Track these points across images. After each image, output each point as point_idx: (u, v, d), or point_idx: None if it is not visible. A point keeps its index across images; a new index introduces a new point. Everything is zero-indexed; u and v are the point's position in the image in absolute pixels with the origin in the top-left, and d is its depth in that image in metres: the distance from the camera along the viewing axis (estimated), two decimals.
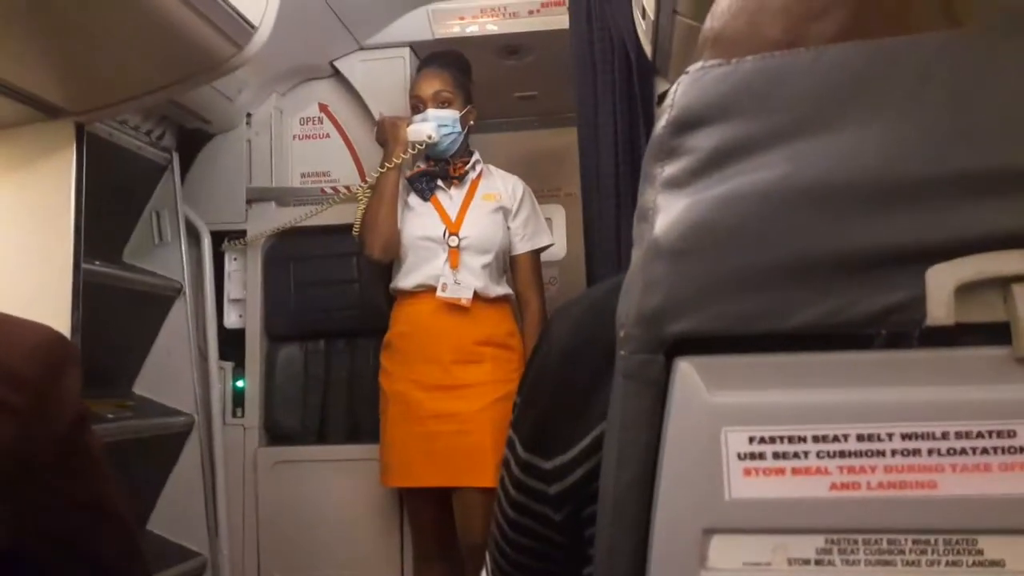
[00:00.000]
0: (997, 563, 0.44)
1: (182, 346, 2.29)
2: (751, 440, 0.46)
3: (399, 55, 2.58)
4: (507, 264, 2.29)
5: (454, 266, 2.16)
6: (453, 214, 2.21)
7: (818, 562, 0.46)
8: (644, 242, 0.51)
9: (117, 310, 2.08)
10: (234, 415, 2.49)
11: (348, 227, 2.29)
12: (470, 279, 2.15)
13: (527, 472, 0.62)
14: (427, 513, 2.17)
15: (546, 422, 0.61)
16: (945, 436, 0.44)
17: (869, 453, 0.45)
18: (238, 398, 2.50)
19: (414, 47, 2.58)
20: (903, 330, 0.45)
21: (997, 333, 0.44)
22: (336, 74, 2.62)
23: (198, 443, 2.27)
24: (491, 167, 2.33)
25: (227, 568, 2.33)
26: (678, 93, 0.53)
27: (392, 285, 2.26)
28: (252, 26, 1.50)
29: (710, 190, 0.50)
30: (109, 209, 2.08)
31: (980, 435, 0.44)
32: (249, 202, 2.55)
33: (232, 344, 2.52)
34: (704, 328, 0.48)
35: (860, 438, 0.45)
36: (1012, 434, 0.43)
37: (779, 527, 0.46)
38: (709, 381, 0.47)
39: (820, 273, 0.46)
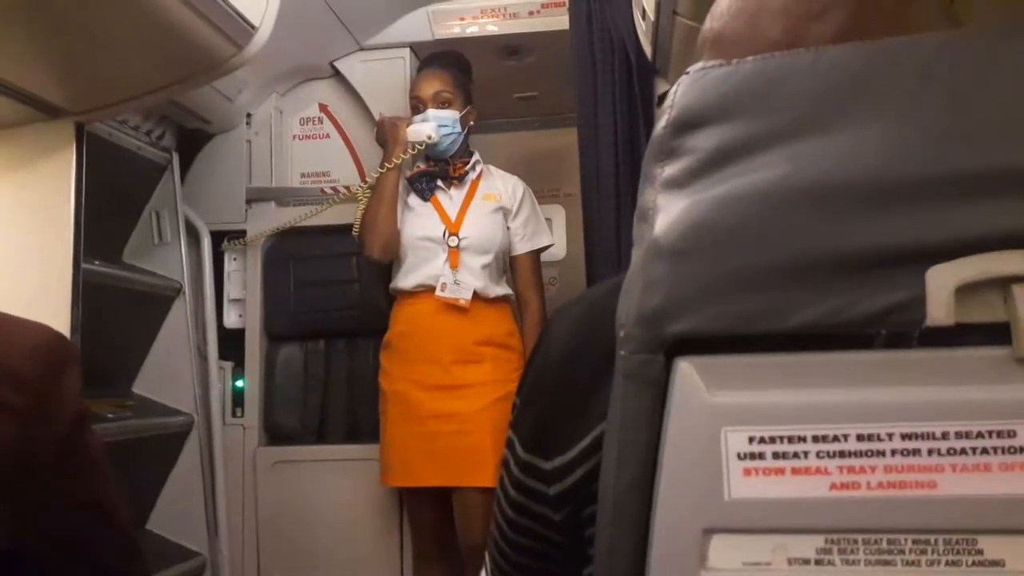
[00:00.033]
0: (997, 563, 0.44)
1: (182, 346, 2.29)
2: (751, 440, 0.46)
3: (399, 55, 2.57)
4: (507, 264, 2.29)
5: (454, 266, 2.16)
6: (453, 214, 2.21)
7: (818, 562, 0.46)
8: (644, 242, 0.51)
9: (117, 310, 2.08)
10: (234, 415, 2.49)
11: (348, 227, 2.29)
12: (470, 279, 2.15)
13: (527, 472, 0.62)
14: (427, 513, 2.16)
15: (546, 422, 0.61)
16: (945, 436, 0.44)
17: (869, 453, 0.45)
18: (238, 398, 2.50)
19: (414, 48, 2.58)
20: (903, 330, 0.45)
21: (997, 333, 0.44)
22: (336, 74, 2.62)
23: (198, 443, 2.27)
24: (491, 167, 2.33)
25: (226, 568, 2.33)
26: (678, 93, 0.53)
27: (392, 285, 2.26)
28: (252, 26, 1.50)
29: (710, 190, 0.50)
30: (109, 209, 2.08)
31: (980, 435, 0.44)
32: (249, 202, 2.54)
33: (232, 344, 2.51)
34: (704, 328, 0.48)
35: (860, 438, 0.45)
36: (1012, 434, 0.43)
37: (779, 527, 0.46)
38: (709, 381, 0.47)
39: (820, 273, 0.46)
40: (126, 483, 0.77)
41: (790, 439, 0.46)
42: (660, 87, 2.05)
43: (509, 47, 2.61)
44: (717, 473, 0.46)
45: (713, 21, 0.65)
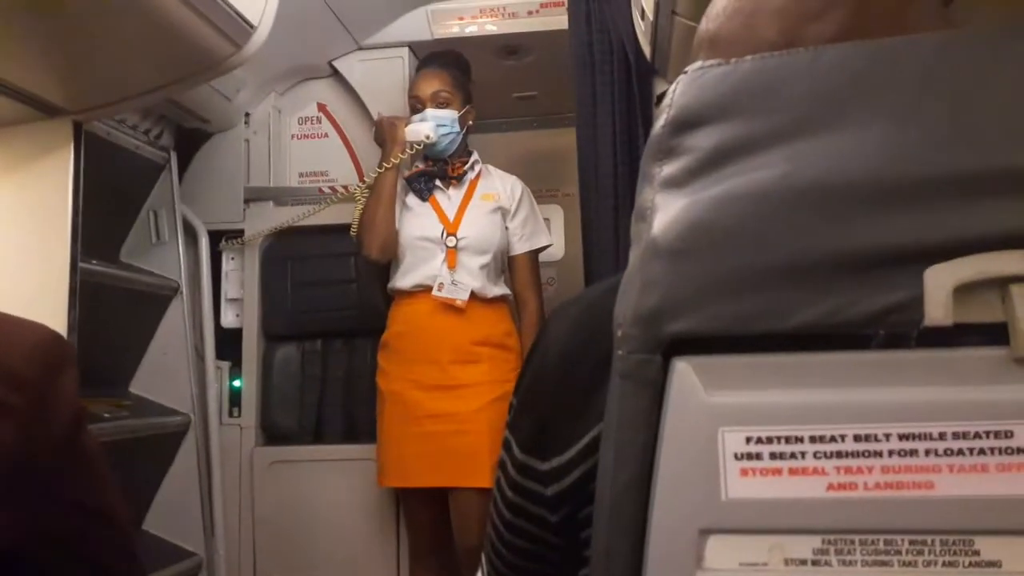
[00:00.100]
0: (994, 564, 0.44)
1: (179, 345, 2.29)
2: (748, 440, 0.46)
3: (398, 55, 2.57)
4: (505, 264, 2.29)
5: (451, 266, 2.15)
6: (451, 214, 2.21)
7: (815, 562, 0.46)
8: (642, 242, 0.51)
9: (114, 309, 2.07)
10: (231, 415, 2.49)
11: (346, 227, 2.29)
12: (467, 279, 2.15)
13: (523, 474, 0.62)
14: (423, 513, 2.16)
15: (543, 424, 0.61)
16: (942, 436, 0.44)
17: (866, 453, 0.45)
18: (235, 398, 2.50)
19: (413, 47, 2.58)
20: (901, 330, 0.45)
21: (995, 333, 0.44)
22: (335, 74, 2.62)
23: (194, 443, 2.27)
24: (490, 167, 2.33)
25: (223, 568, 2.32)
26: (677, 93, 0.53)
27: (390, 285, 2.26)
28: (251, 25, 1.50)
29: (708, 190, 0.50)
30: (106, 208, 2.08)
31: (977, 436, 0.44)
32: (247, 201, 2.54)
33: (229, 343, 2.51)
34: (702, 328, 0.48)
35: (857, 438, 0.45)
36: (1009, 435, 0.43)
37: (776, 527, 0.46)
38: (706, 381, 0.47)
39: (819, 273, 0.46)
40: (123, 483, 0.77)
41: (787, 439, 0.46)
42: (659, 87, 2.05)
43: (508, 47, 2.61)
44: (714, 473, 0.46)
45: (709, 22, 0.65)
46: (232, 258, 2.56)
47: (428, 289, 2.15)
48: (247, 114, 2.56)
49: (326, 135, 2.64)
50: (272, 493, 2.42)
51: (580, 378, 0.58)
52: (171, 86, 1.61)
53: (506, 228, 2.25)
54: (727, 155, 0.50)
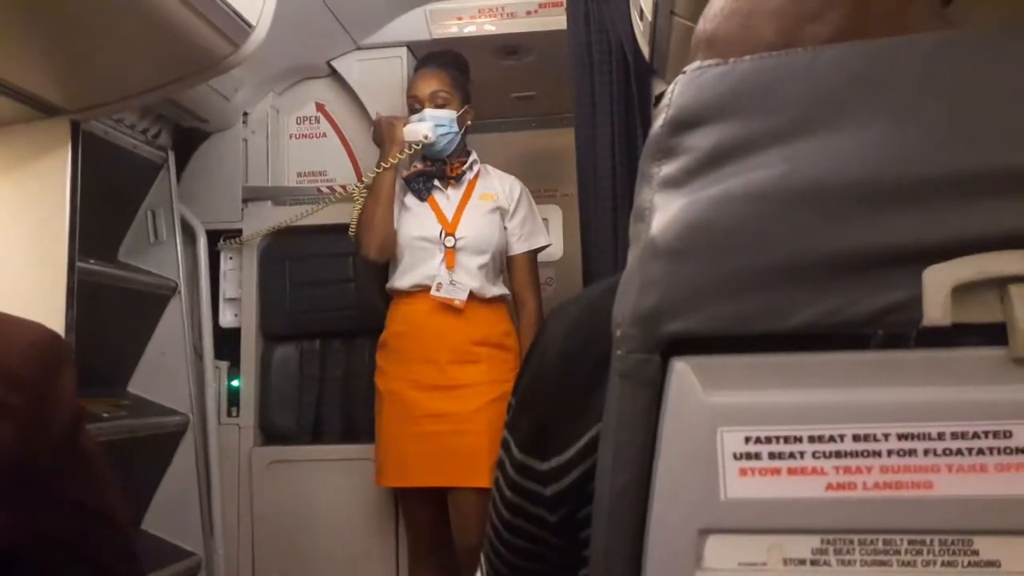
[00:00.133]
0: (993, 563, 0.44)
1: (177, 345, 2.29)
2: (747, 440, 0.46)
3: (396, 55, 2.57)
4: (504, 264, 2.29)
5: (450, 266, 2.15)
6: (450, 214, 2.21)
7: (814, 562, 0.46)
8: (641, 242, 0.51)
9: (112, 309, 2.07)
10: (229, 414, 2.49)
11: (344, 226, 2.28)
12: (466, 279, 2.15)
13: (523, 474, 0.62)
14: (422, 513, 2.16)
15: (542, 424, 0.61)
16: (941, 436, 0.44)
17: (865, 453, 0.45)
18: (233, 397, 2.50)
19: (411, 47, 2.58)
20: (900, 330, 0.45)
21: (994, 333, 0.44)
22: (333, 74, 2.62)
23: (193, 442, 2.27)
24: (488, 167, 2.33)
25: (222, 568, 2.32)
26: (675, 93, 0.53)
27: (388, 285, 2.26)
28: (249, 25, 1.50)
29: (707, 190, 0.50)
30: (104, 207, 2.07)
31: (976, 435, 0.44)
32: (245, 201, 2.54)
33: (227, 343, 2.51)
34: (700, 328, 0.48)
35: (856, 438, 0.45)
36: (1008, 435, 0.43)
37: (775, 527, 0.46)
38: (705, 381, 0.47)
39: (817, 273, 0.46)
40: (121, 483, 0.77)
41: (786, 439, 0.46)
42: (658, 87, 2.05)
43: (507, 47, 2.60)
44: (713, 473, 0.46)
45: (706, 23, 0.65)
46: (230, 258, 2.56)
47: (427, 289, 2.15)
48: (245, 114, 2.56)
49: (324, 135, 2.64)
50: (271, 493, 2.42)
51: (579, 378, 0.58)
52: (169, 85, 1.61)
53: (505, 228, 2.25)
54: (726, 155, 0.50)
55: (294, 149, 2.64)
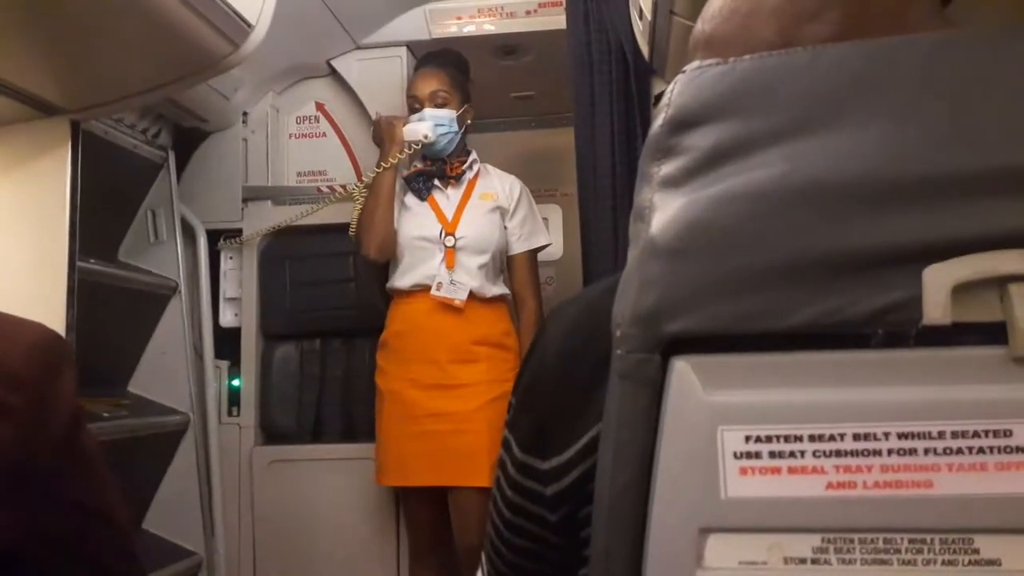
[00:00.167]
0: (993, 562, 0.44)
1: (178, 345, 2.29)
2: (747, 439, 0.46)
3: (396, 54, 2.57)
4: (504, 264, 2.29)
5: (450, 266, 2.15)
6: (450, 214, 2.21)
7: (814, 561, 0.46)
8: (640, 241, 0.51)
9: (113, 308, 2.07)
10: (230, 414, 2.49)
11: (344, 226, 2.28)
12: (466, 279, 2.15)
13: (523, 473, 0.62)
14: (423, 512, 2.16)
15: (542, 423, 0.61)
16: (941, 435, 0.44)
17: (865, 452, 0.45)
18: (234, 397, 2.50)
19: (411, 47, 2.57)
20: (900, 330, 0.45)
21: (994, 333, 0.44)
22: (333, 73, 2.61)
23: (193, 442, 2.27)
24: (488, 166, 2.33)
25: (223, 567, 2.32)
26: (675, 92, 0.53)
27: (388, 285, 2.26)
28: (249, 25, 1.50)
29: (707, 189, 0.50)
30: (104, 207, 2.07)
31: (976, 435, 0.44)
32: (245, 201, 2.54)
33: (228, 343, 2.51)
34: (700, 327, 0.48)
35: (856, 437, 0.45)
36: (1008, 433, 0.43)
37: (775, 526, 0.46)
38: (705, 380, 0.47)
39: (817, 273, 0.46)
40: (122, 482, 0.77)
41: (786, 438, 0.46)
42: (657, 87, 2.05)
43: (506, 46, 2.60)
44: (713, 472, 0.46)
45: (704, 23, 0.65)
46: (230, 257, 2.56)
47: (427, 289, 2.15)
48: (245, 113, 2.56)
49: (324, 134, 2.64)
50: (271, 492, 2.42)
51: (579, 377, 0.58)
52: (169, 85, 1.61)
53: (505, 228, 2.25)
54: (725, 154, 0.50)
55: (294, 149, 2.64)
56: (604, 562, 0.50)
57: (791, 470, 0.46)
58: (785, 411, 0.46)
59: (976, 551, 0.44)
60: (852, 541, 0.45)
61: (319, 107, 2.64)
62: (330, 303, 2.50)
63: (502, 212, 2.25)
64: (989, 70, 0.47)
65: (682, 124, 0.52)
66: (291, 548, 2.40)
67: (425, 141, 2.17)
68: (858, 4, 0.57)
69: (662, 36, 1.61)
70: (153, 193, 2.32)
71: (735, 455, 0.46)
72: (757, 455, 0.46)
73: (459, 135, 2.24)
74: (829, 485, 0.45)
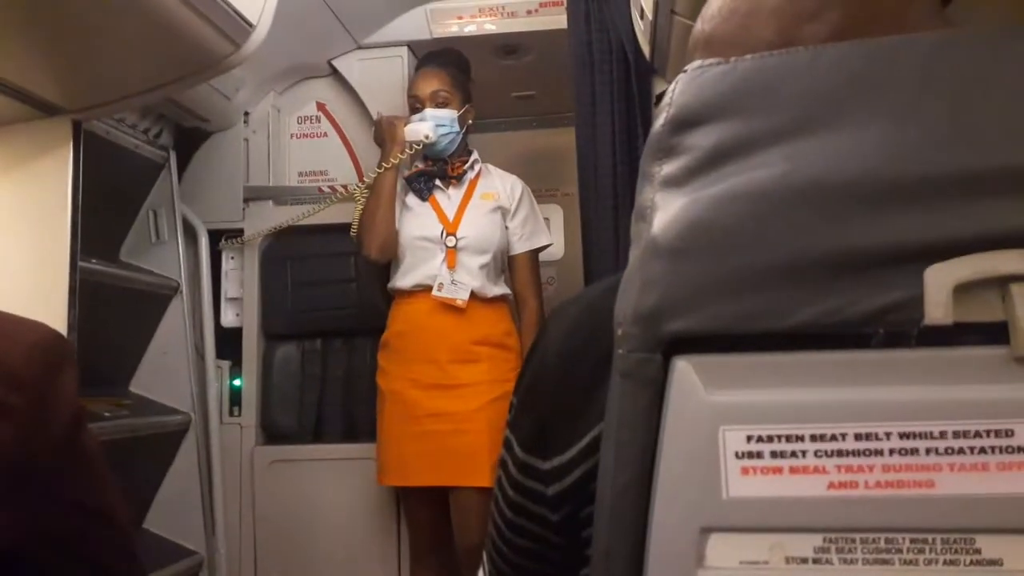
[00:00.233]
0: (995, 562, 0.44)
1: (179, 345, 2.29)
2: (749, 439, 0.46)
3: (397, 54, 2.57)
4: (505, 264, 2.29)
5: (451, 266, 2.16)
6: (451, 214, 2.21)
7: (816, 561, 0.46)
8: (642, 241, 0.51)
9: (114, 308, 2.07)
10: (231, 414, 2.49)
11: (346, 226, 2.29)
12: (467, 279, 2.15)
13: (525, 473, 0.62)
14: (423, 512, 2.16)
15: (544, 423, 0.61)
16: (943, 435, 0.44)
17: (867, 452, 0.45)
18: (235, 397, 2.50)
19: (412, 46, 2.58)
20: (901, 329, 0.45)
21: (995, 332, 0.44)
22: (334, 73, 2.62)
23: (195, 442, 2.27)
24: (490, 166, 2.33)
25: (224, 567, 2.33)
26: (676, 92, 0.53)
27: (390, 285, 2.26)
28: (250, 24, 1.50)
29: (708, 189, 0.50)
30: (106, 207, 2.07)
31: (978, 434, 0.44)
32: (246, 201, 2.54)
33: (229, 343, 2.51)
34: (702, 327, 0.48)
35: (858, 437, 0.45)
36: (1010, 433, 0.43)
37: (777, 526, 0.46)
38: (707, 380, 0.47)
39: (818, 272, 0.46)
40: (123, 482, 0.77)
41: (788, 438, 0.46)
42: (658, 86, 2.05)
43: (507, 46, 2.60)
44: (715, 472, 0.46)
45: (704, 23, 0.65)
46: (232, 257, 2.56)
47: (428, 289, 2.15)
48: (246, 113, 2.56)
49: (325, 134, 2.64)
50: (272, 492, 2.42)
51: (580, 377, 0.58)
52: (170, 85, 1.61)
53: (506, 228, 2.26)
54: (727, 154, 0.50)
55: (295, 149, 2.65)
56: (605, 562, 0.50)
57: (793, 470, 0.46)
58: (786, 411, 0.46)
59: (978, 551, 0.44)
60: (854, 541, 0.45)
61: (320, 107, 2.64)
62: (331, 303, 2.50)
63: (503, 212, 2.25)
64: (989, 70, 0.47)
65: (683, 124, 0.52)
66: (292, 548, 2.40)
67: (426, 141, 2.17)
68: (858, 4, 0.57)
69: (663, 36, 1.61)
70: (154, 193, 2.33)
71: (736, 455, 0.46)
72: (759, 455, 0.46)
73: (460, 135, 2.24)
74: (831, 485, 0.45)
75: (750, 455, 0.46)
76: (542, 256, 2.37)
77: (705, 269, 0.49)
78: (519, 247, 2.27)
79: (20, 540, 0.65)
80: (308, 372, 2.53)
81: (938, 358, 0.45)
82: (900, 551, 0.45)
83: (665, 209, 0.51)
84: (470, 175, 2.27)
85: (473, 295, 2.14)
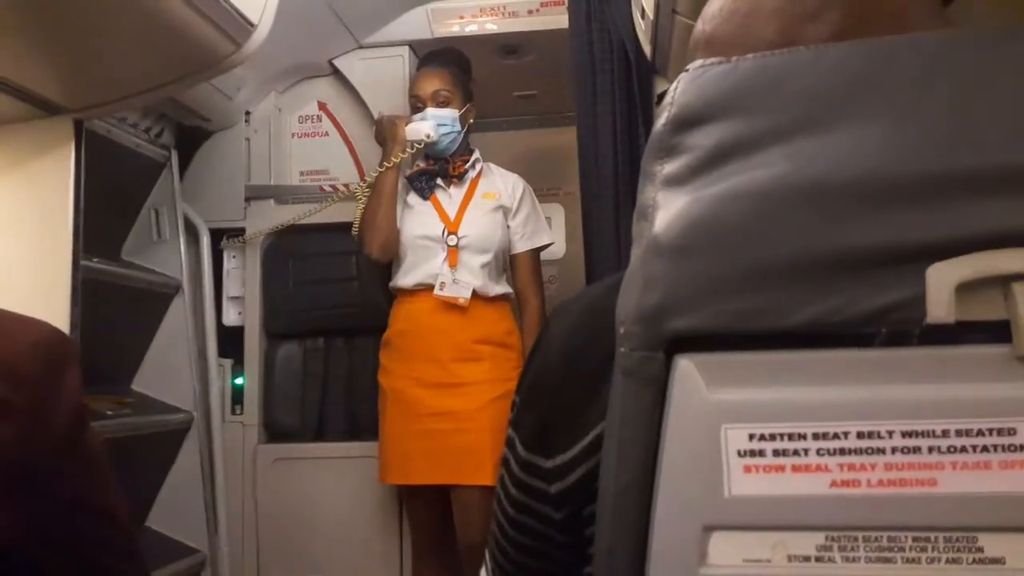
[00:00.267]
0: (997, 560, 0.44)
1: (181, 343, 2.29)
2: (751, 437, 0.46)
3: (398, 54, 2.57)
4: (507, 263, 2.29)
5: (453, 265, 2.16)
6: (452, 213, 2.21)
7: (818, 559, 0.46)
8: (644, 239, 0.51)
9: (116, 307, 2.07)
10: (233, 412, 2.49)
11: (347, 225, 2.29)
12: (469, 278, 2.15)
13: (528, 471, 0.62)
14: (425, 511, 2.17)
15: (546, 421, 0.61)
16: (945, 434, 0.44)
17: (869, 451, 0.45)
18: (237, 395, 2.50)
19: (413, 46, 2.58)
20: (903, 328, 0.45)
21: (997, 331, 0.44)
22: (335, 72, 2.62)
23: (197, 440, 2.27)
24: (491, 165, 2.33)
25: (226, 565, 2.33)
26: (678, 91, 0.53)
27: (391, 283, 2.26)
28: (251, 24, 1.50)
29: (710, 188, 0.50)
30: (108, 206, 2.08)
31: (980, 433, 0.44)
32: (248, 200, 2.54)
33: (231, 342, 2.51)
34: (704, 325, 0.48)
35: (860, 436, 0.45)
36: (1012, 432, 0.43)
37: (779, 524, 0.46)
38: (709, 378, 0.47)
39: (820, 271, 0.46)
40: (126, 480, 0.77)
41: (790, 436, 0.46)
42: (659, 86, 2.05)
43: (508, 46, 2.60)
44: (717, 470, 0.46)
45: (705, 23, 0.65)
46: (233, 256, 2.57)
47: (430, 288, 2.15)
48: (248, 112, 2.56)
49: (327, 134, 2.64)
50: (275, 490, 2.43)
51: (582, 376, 0.58)
52: (172, 84, 1.61)
53: (507, 226, 2.26)
54: (728, 153, 0.50)
55: (296, 148, 2.65)
56: (608, 560, 0.50)
57: (795, 468, 0.46)
58: (789, 409, 0.46)
59: (980, 549, 0.44)
60: (856, 539, 0.45)
61: (321, 106, 2.64)
62: (333, 302, 2.50)
63: (505, 211, 2.25)
64: (989, 70, 0.47)
65: (685, 123, 0.52)
66: (294, 546, 2.40)
67: (427, 140, 2.17)
68: (859, 4, 0.57)
69: (664, 35, 1.61)
70: (156, 192, 2.33)
71: (739, 453, 0.46)
72: (761, 453, 0.46)
73: (461, 134, 2.24)
74: (833, 483, 0.45)
75: (752, 453, 0.46)
76: (544, 255, 2.37)
77: (707, 268, 0.49)
78: (521, 246, 2.27)
79: (20, 540, 0.65)
80: (310, 371, 2.53)
81: (940, 357, 0.45)
82: (902, 549, 0.45)
83: (667, 208, 0.51)
84: (471, 174, 2.27)
85: (475, 294, 2.14)
